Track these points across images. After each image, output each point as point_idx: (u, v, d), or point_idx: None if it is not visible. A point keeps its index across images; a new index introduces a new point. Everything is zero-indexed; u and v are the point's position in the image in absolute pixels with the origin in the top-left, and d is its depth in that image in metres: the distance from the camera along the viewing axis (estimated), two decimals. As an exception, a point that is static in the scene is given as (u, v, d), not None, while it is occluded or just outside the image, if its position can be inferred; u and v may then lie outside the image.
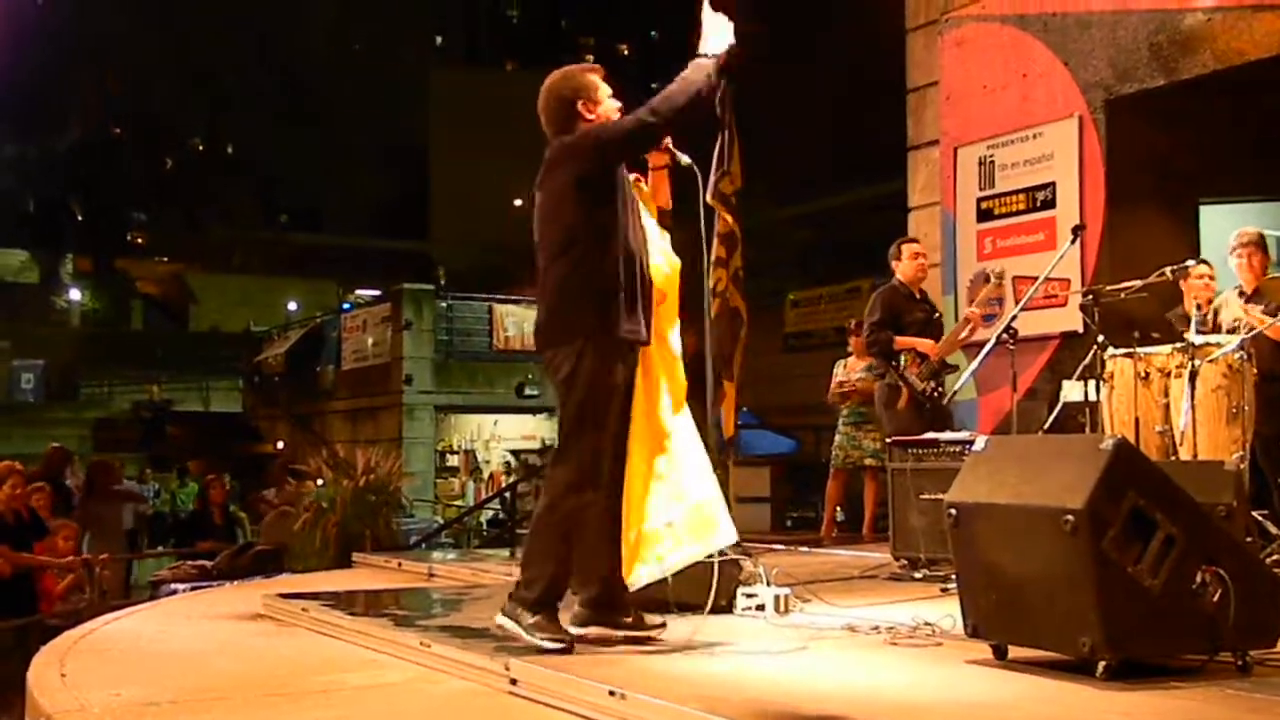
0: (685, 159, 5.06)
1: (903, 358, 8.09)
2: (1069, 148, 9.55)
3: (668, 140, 4.96)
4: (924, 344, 8.06)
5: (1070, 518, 3.88)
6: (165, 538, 15.92)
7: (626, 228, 4.76)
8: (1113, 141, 9.29)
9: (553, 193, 4.77)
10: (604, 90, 4.90)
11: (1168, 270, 6.98)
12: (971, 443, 5.45)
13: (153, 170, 50.41)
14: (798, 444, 18.27)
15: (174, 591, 9.51)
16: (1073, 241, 7.50)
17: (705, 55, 4.74)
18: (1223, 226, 8.72)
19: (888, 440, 7.72)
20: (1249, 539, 5.84)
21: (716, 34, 4.78)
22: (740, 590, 5.56)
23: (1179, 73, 8.85)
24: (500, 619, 4.66)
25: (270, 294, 42.05)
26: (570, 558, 4.66)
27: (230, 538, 12.64)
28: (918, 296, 8.42)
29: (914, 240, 8.74)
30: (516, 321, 22.11)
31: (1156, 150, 9.14)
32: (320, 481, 11.05)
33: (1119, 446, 3.99)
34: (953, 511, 4.45)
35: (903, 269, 8.36)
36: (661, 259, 4.99)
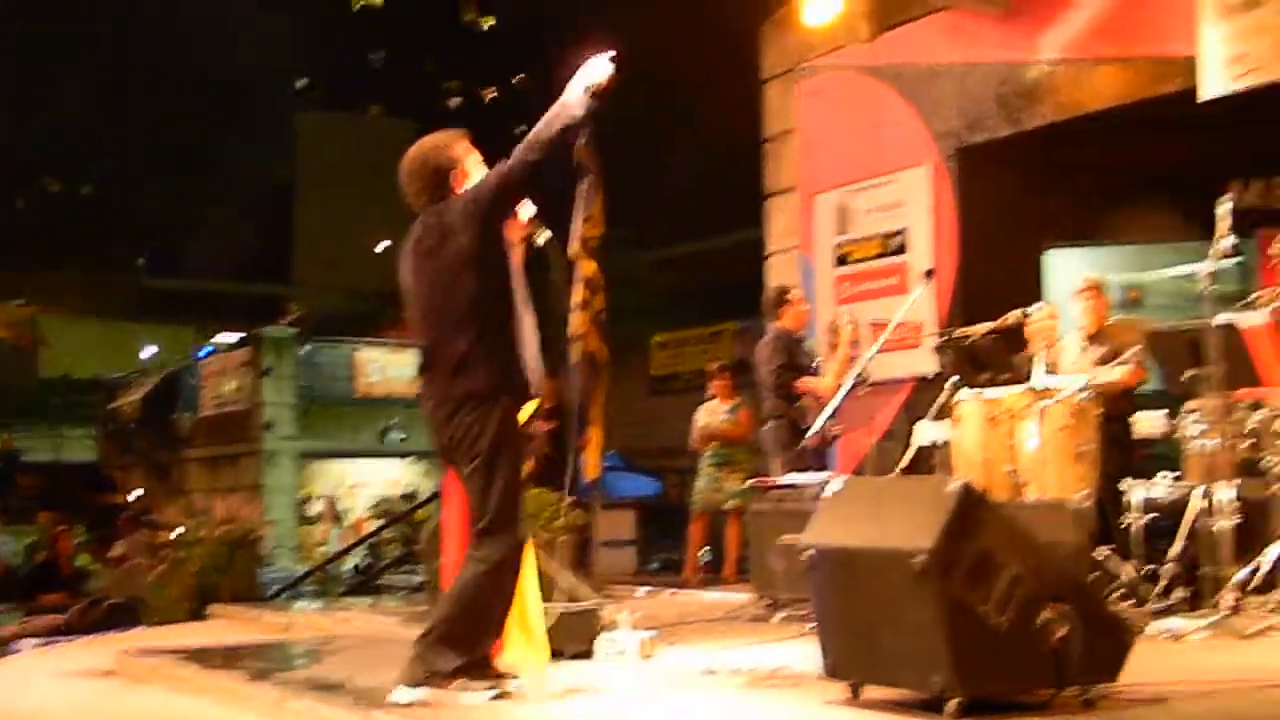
0: (544, 236, 5.06)
1: (803, 400, 8.28)
2: (922, 194, 9.81)
3: (531, 212, 4.97)
4: (824, 387, 8.24)
5: (919, 559, 3.97)
6: (11, 592, 15.38)
7: (515, 289, 4.82)
8: (963, 188, 9.56)
9: (447, 264, 4.75)
10: (474, 158, 4.92)
11: (1014, 314, 7.20)
12: (828, 485, 5.54)
13: (3, 210, 48.96)
14: (664, 486, 18.33)
15: (19, 650, 9.21)
16: (924, 286, 7.70)
17: (579, 86, 4.78)
18: (1068, 271, 9.05)
19: (748, 483, 7.84)
20: (1094, 576, 6.03)
21: (592, 65, 4.81)
22: (603, 635, 5.57)
23: (1024, 122, 9.15)
24: (408, 693, 4.55)
25: (126, 339, 41.02)
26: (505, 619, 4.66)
27: (79, 590, 12.27)
28: (802, 342, 8.65)
29: (796, 289, 8.96)
30: (380, 366, 21.89)
31: (1005, 197, 9.41)
32: (177, 531, 10.81)
33: (965, 489, 4.10)
34: (809, 554, 4.53)
35: (791, 316, 8.57)
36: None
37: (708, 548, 10.79)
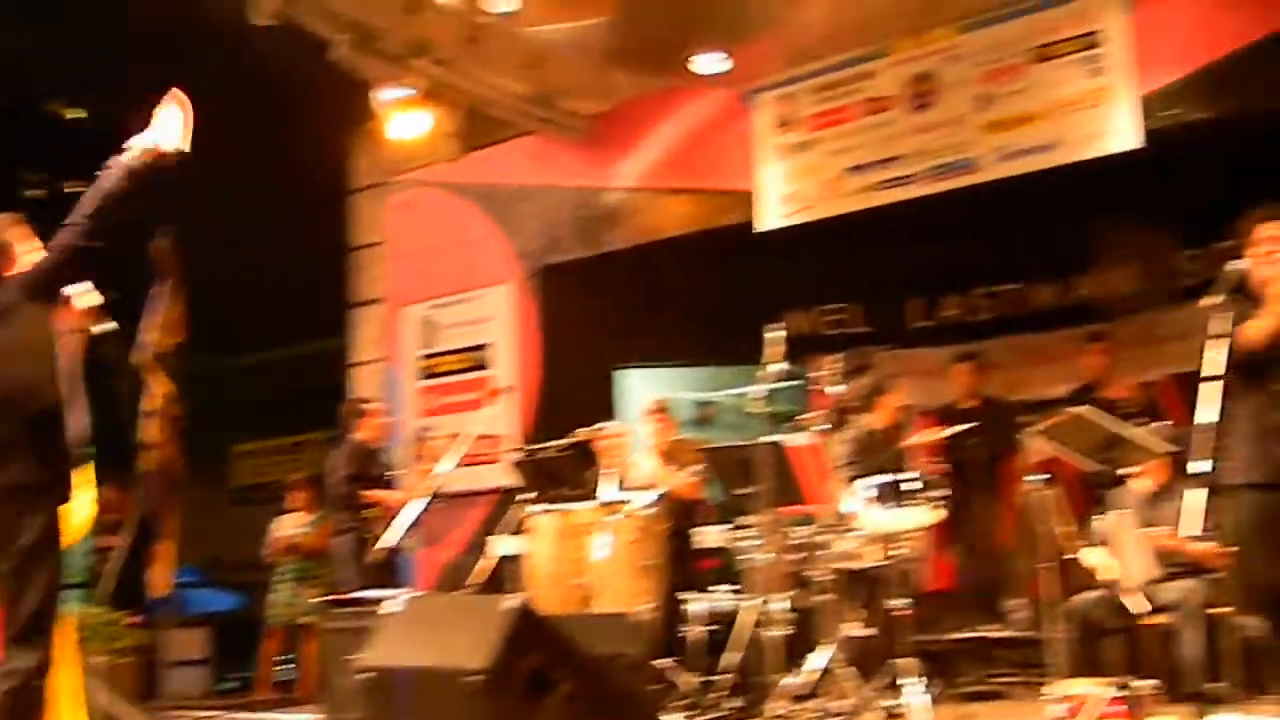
0: (105, 327, 4.85)
1: (374, 512, 8.18)
2: (505, 311, 10.02)
3: (93, 301, 4.74)
4: (394, 498, 8.15)
5: (473, 679, 3.99)
6: None
7: (67, 380, 4.55)
8: (544, 307, 9.84)
9: None
10: (29, 244, 4.65)
11: (587, 430, 7.44)
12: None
13: None
14: (245, 600, 17.64)
15: None
16: (501, 402, 7.84)
17: (137, 146, 4.46)
18: (642, 389, 9.43)
19: (323, 598, 7.66)
20: (656, 687, 6.23)
21: (164, 128, 4.46)
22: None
23: (602, 245, 9.55)
24: None
25: None
26: None
27: None
28: (378, 453, 8.56)
29: (374, 401, 8.90)
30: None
31: (583, 316, 9.71)
32: None
33: (520, 607, 4.17)
34: (369, 674, 4.47)
35: (368, 427, 8.49)
36: None
37: (291, 664, 10.45)
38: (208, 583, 17.79)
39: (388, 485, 8.47)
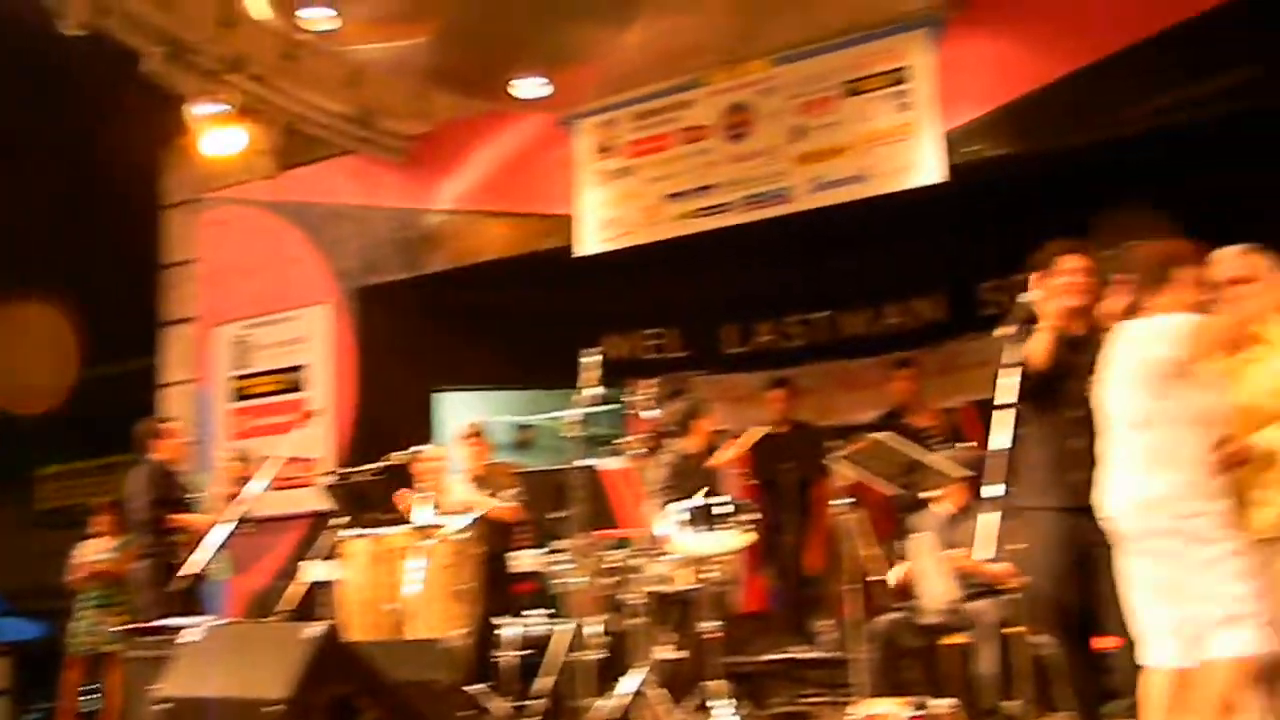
0: None
1: (175, 536, 7.95)
2: (323, 332, 9.87)
3: None
4: (201, 522, 7.95)
5: (273, 709, 3.93)
6: None
7: None
8: (362, 328, 9.73)
9: None
10: None
11: (402, 454, 7.37)
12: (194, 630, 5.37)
13: None
14: (49, 628, 17.00)
15: None
16: (313, 424, 7.73)
17: None
18: (461, 413, 9.38)
19: (124, 627, 7.44)
20: (468, 713, 6.18)
21: None
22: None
23: (421, 267, 9.49)
24: None
25: None
26: None
27: None
28: (177, 475, 8.33)
29: (172, 420, 8.66)
30: None
31: (402, 339, 9.64)
32: None
33: (323, 634, 4.12)
34: (165, 705, 4.36)
35: (167, 448, 8.26)
36: None
37: (95, 694, 10.08)
38: (10, 611, 17.11)
39: (189, 508, 8.25)
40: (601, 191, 8.76)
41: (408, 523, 7.11)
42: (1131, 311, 4.16)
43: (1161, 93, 6.91)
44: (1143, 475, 4.03)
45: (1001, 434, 4.70)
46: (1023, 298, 4.95)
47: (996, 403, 4.76)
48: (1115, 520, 4.11)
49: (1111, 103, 7.05)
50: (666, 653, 6.37)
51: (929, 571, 6.29)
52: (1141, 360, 4.05)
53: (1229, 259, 4.35)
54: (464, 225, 9.35)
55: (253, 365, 10.21)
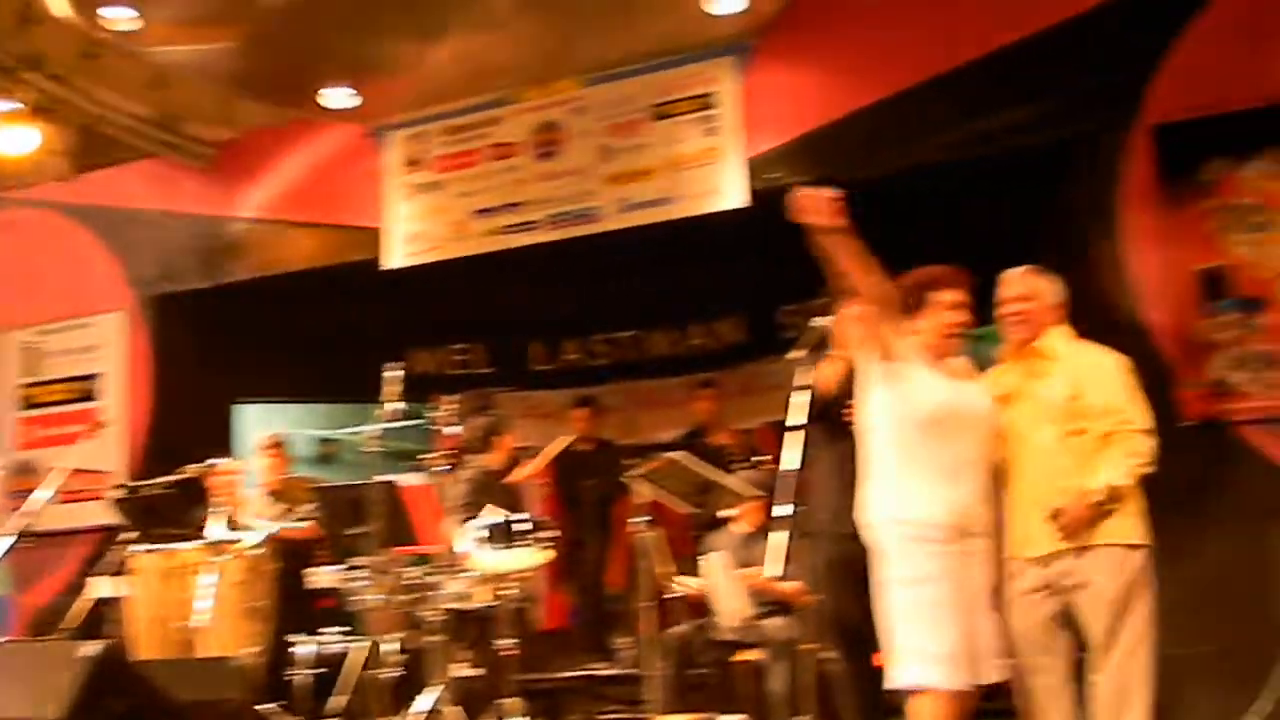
0: None
1: None
2: (118, 340, 9.58)
3: None
4: None
5: (45, 729, 3.81)
6: None
7: None
8: (159, 337, 9.46)
9: None
10: None
11: (195, 467, 7.20)
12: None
13: None
14: None
15: None
16: (102, 435, 7.50)
17: None
18: (259, 426, 9.19)
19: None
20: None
21: None
22: None
23: (221, 276, 9.26)
24: None
25: None
26: None
27: None
28: None
29: None
30: None
31: (200, 349, 9.38)
32: None
33: (102, 653, 4.01)
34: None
35: None
36: None
37: None
38: None
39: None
40: (410, 205, 8.71)
41: (202, 538, 6.95)
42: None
43: (953, 128, 7.18)
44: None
45: (792, 454, 4.83)
46: (814, 322, 5.09)
47: (788, 424, 4.88)
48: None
49: (902, 136, 7.29)
50: (463, 670, 6.36)
51: (723, 589, 6.41)
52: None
53: (1013, 279, 4.59)
54: (269, 235, 9.17)
55: (43, 373, 9.85)
